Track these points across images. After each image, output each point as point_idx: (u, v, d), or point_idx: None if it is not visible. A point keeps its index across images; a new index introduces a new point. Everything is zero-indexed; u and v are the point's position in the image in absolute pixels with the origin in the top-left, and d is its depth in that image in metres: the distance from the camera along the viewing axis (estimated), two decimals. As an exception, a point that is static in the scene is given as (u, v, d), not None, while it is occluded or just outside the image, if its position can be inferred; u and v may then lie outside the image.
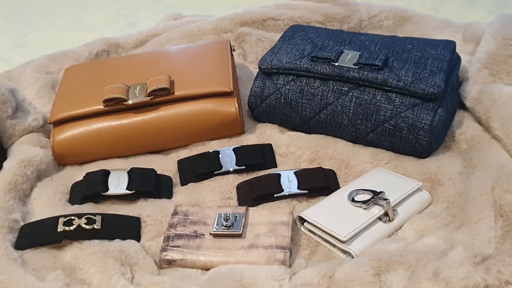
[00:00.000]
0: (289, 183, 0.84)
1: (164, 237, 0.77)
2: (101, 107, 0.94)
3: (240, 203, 0.84)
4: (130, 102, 0.93)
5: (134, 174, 0.87)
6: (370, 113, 0.88)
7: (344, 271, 0.66)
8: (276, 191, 0.83)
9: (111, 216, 0.80)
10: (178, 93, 0.94)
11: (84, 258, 0.74)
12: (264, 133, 0.97)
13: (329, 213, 0.76)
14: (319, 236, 0.76)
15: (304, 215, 0.77)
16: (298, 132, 0.96)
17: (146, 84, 0.95)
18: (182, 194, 0.87)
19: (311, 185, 0.83)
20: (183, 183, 0.90)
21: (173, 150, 0.97)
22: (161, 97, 0.94)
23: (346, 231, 0.72)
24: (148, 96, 0.93)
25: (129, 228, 0.80)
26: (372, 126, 0.88)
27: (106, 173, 0.87)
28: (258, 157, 0.90)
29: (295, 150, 0.92)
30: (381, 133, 0.88)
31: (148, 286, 0.70)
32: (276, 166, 0.90)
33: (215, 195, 0.86)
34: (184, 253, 0.74)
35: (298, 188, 0.83)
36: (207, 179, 0.89)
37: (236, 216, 0.77)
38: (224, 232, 0.75)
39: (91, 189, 0.85)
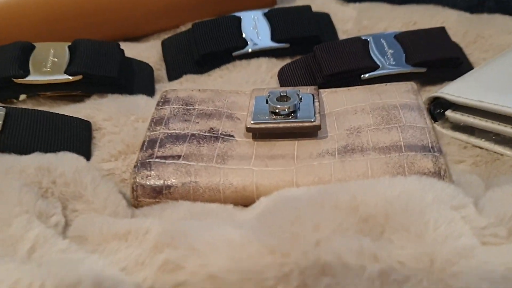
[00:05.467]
0: (386, 55, 0.43)
1: (144, 142, 0.35)
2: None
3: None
4: None
5: (81, 49, 0.44)
6: None
7: None
8: (366, 67, 0.42)
9: (25, 112, 0.37)
10: None
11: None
12: (313, 2, 0.55)
13: (497, 88, 0.35)
14: (482, 134, 0.35)
15: (452, 94, 0.36)
16: (372, 2, 0.56)
17: None
18: (174, 91, 0.45)
19: (431, 57, 0.42)
20: (174, 75, 0.48)
21: (151, 35, 0.55)
22: None
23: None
24: None
25: (65, 137, 0.37)
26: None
27: (26, 48, 0.44)
28: (311, 26, 0.49)
29: (372, 24, 0.53)
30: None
31: (103, 243, 0.27)
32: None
33: (237, 88, 0.44)
34: (191, 169, 0.32)
35: (407, 62, 0.42)
36: (218, 66, 0.48)
37: (301, 97, 0.36)
38: (281, 125, 0.33)
39: (-4, 72, 0.42)
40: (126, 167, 0.36)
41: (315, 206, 0.25)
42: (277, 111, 0.34)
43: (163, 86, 0.47)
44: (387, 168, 0.30)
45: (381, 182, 0.27)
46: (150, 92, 0.46)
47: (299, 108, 0.35)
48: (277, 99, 0.35)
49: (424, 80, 0.43)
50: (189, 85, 0.47)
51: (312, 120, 0.33)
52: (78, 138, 0.38)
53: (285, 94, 0.35)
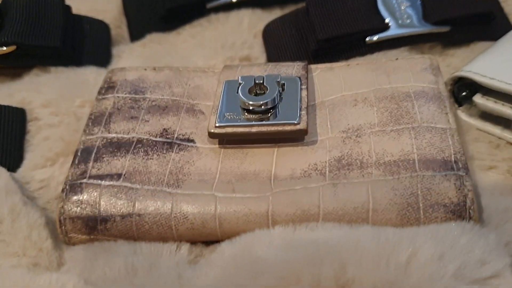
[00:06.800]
0: (399, 10, 0.33)
1: (77, 152, 0.27)
2: None
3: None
4: None
5: (14, 10, 0.35)
6: None
7: None
8: (372, 28, 0.32)
9: None
10: None
11: None
12: None
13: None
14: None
15: (484, 75, 0.27)
16: None
17: None
18: (134, 58, 0.37)
19: (456, 12, 0.32)
20: (136, 35, 0.39)
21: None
22: None
23: None
24: None
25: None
26: None
27: None
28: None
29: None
30: None
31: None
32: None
33: (211, 54, 0.36)
34: (133, 195, 0.24)
35: (426, 19, 0.33)
36: (189, 22, 0.38)
37: (283, 83, 0.27)
38: (254, 129, 0.25)
39: None
40: (64, 176, 0.29)
41: (289, 284, 0.18)
42: (250, 108, 0.26)
43: (121, 50, 0.39)
44: (394, 196, 0.22)
45: (383, 238, 0.19)
46: (105, 60, 0.37)
47: (280, 100, 0.26)
48: (250, 90, 0.26)
49: (447, 41, 0.34)
50: (153, 46, 0.38)
51: (295, 122, 0.25)
52: (6, 137, 0.30)
53: (261, 81, 0.26)
